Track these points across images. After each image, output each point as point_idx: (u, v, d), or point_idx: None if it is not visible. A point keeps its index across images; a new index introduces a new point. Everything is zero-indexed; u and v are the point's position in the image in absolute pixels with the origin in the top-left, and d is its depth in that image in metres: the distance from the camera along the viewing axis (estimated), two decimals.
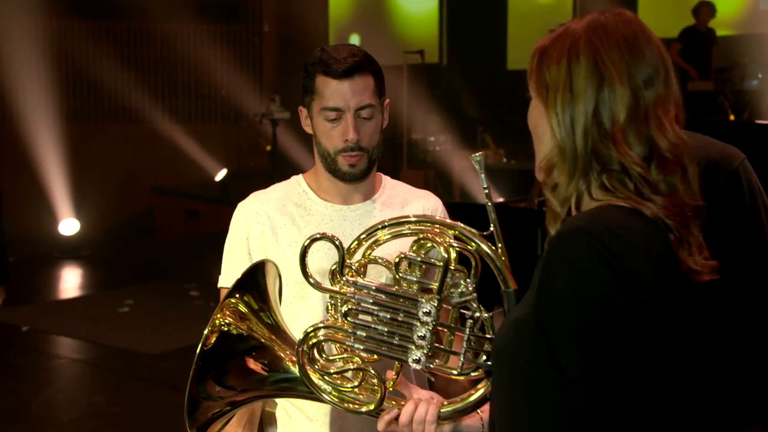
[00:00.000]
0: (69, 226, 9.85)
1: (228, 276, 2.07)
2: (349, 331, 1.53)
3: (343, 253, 1.57)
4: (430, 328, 1.49)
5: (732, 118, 8.21)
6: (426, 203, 2.12)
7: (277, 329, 1.66)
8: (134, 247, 10.29)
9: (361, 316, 1.55)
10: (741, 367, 1.70)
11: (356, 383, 1.55)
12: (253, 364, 1.61)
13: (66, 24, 11.17)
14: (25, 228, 9.65)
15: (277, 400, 2.04)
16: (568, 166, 1.31)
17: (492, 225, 1.51)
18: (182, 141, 11.33)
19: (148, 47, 11.89)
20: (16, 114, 10.55)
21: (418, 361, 1.51)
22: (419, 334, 1.49)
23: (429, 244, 1.55)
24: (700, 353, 1.34)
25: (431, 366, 1.52)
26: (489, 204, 1.50)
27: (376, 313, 1.53)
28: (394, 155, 10.49)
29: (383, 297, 1.53)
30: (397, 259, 1.57)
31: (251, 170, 11.75)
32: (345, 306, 1.55)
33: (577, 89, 1.29)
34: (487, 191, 1.51)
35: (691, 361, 1.31)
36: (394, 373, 1.59)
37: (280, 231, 2.03)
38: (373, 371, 1.55)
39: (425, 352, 1.49)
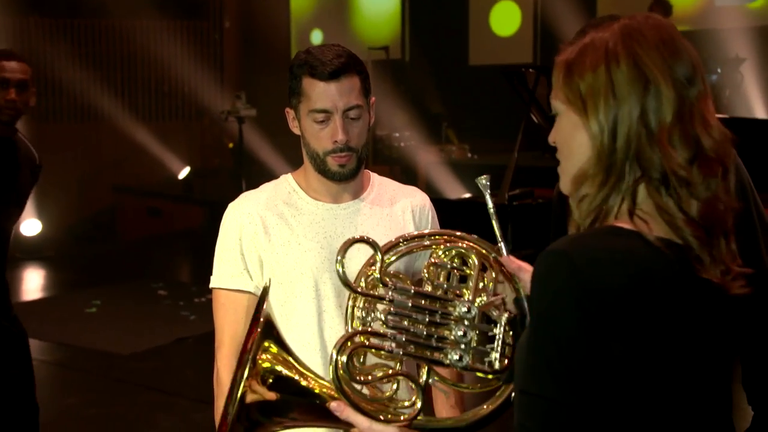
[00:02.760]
0: (31, 226, 9.71)
1: (220, 276, 2.09)
2: (388, 335, 1.48)
3: (382, 258, 1.54)
4: (468, 325, 1.49)
5: None
6: (414, 200, 2.17)
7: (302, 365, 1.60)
8: (97, 246, 10.18)
9: (396, 321, 1.50)
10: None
11: (392, 393, 1.51)
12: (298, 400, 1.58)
13: (25, 22, 11.00)
14: None
15: None
16: (602, 176, 1.29)
17: (500, 241, 1.55)
18: (144, 139, 11.23)
19: (108, 45, 11.76)
20: None
21: (459, 360, 1.49)
22: (459, 333, 1.49)
23: (454, 252, 1.56)
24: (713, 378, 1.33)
25: (469, 365, 1.50)
26: (495, 223, 1.55)
27: (414, 316, 1.50)
28: None
29: (421, 299, 1.50)
30: (425, 270, 1.55)
31: (216, 168, 11.69)
32: (383, 312, 1.50)
33: (620, 94, 1.28)
34: (492, 210, 1.57)
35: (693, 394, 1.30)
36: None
37: (272, 231, 2.05)
38: (409, 378, 1.51)
39: (465, 350, 1.49)
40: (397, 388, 1.51)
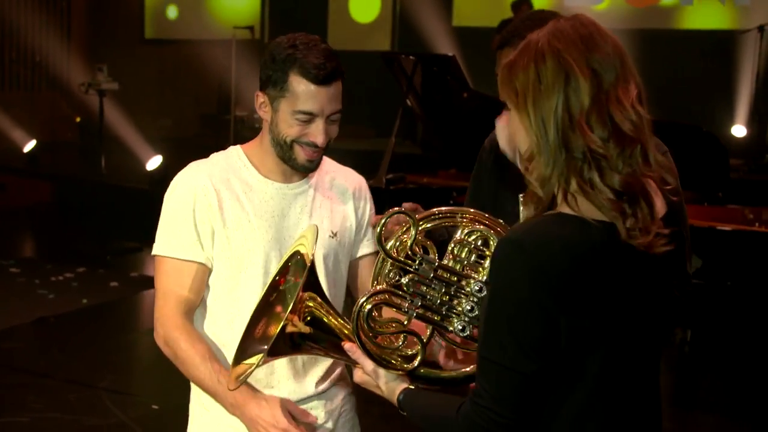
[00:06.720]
0: None
1: (169, 245, 2.07)
2: (408, 298, 1.69)
3: (416, 230, 1.70)
4: (476, 301, 1.69)
5: None
6: (353, 181, 2.24)
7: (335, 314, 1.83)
8: None
9: (417, 287, 1.70)
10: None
11: (399, 344, 1.72)
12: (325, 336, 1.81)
13: None
14: None
15: (194, 394, 2.15)
16: (543, 157, 1.48)
17: None
18: None
19: None
20: None
21: (462, 330, 1.70)
22: (467, 307, 1.69)
23: (477, 233, 1.74)
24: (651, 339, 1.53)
25: (469, 335, 1.70)
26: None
27: (433, 285, 1.69)
28: (220, 132, 10.38)
29: (442, 272, 1.70)
30: (452, 244, 1.73)
31: (67, 142, 11.20)
32: (407, 276, 1.69)
33: (546, 86, 1.46)
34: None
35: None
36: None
37: (225, 206, 2.06)
38: (415, 335, 1.71)
39: (468, 321, 1.69)
40: (405, 342, 1.71)
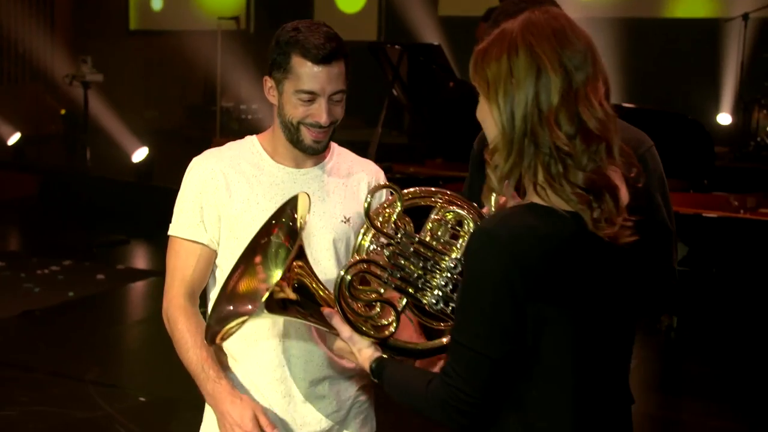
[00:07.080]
0: None
1: (177, 225, 2.17)
2: (388, 269, 1.76)
3: (402, 206, 1.79)
4: (450, 277, 1.75)
5: None
6: (369, 173, 2.26)
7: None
8: None
9: (396, 260, 1.78)
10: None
11: (375, 313, 1.80)
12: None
13: None
14: None
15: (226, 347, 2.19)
16: (507, 149, 1.50)
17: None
18: None
19: None
20: None
21: (436, 304, 1.77)
22: (442, 282, 1.76)
23: (454, 213, 1.80)
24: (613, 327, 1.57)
25: (441, 309, 1.77)
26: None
27: (412, 259, 1.77)
28: (206, 123, 10.34)
29: (421, 247, 1.77)
30: (430, 223, 1.80)
31: (53, 135, 11.12)
32: (389, 248, 1.77)
33: (517, 79, 1.48)
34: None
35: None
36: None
37: (233, 188, 2.13)
38: (390, 305, 1.80)
39: (441, 296, 1.76)
40: (381, 311, 1.79)
